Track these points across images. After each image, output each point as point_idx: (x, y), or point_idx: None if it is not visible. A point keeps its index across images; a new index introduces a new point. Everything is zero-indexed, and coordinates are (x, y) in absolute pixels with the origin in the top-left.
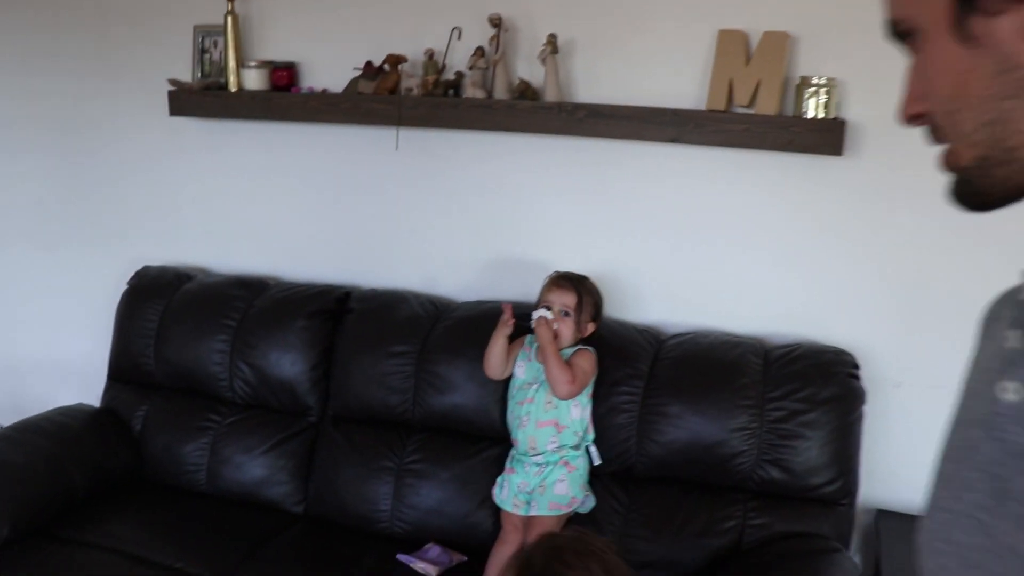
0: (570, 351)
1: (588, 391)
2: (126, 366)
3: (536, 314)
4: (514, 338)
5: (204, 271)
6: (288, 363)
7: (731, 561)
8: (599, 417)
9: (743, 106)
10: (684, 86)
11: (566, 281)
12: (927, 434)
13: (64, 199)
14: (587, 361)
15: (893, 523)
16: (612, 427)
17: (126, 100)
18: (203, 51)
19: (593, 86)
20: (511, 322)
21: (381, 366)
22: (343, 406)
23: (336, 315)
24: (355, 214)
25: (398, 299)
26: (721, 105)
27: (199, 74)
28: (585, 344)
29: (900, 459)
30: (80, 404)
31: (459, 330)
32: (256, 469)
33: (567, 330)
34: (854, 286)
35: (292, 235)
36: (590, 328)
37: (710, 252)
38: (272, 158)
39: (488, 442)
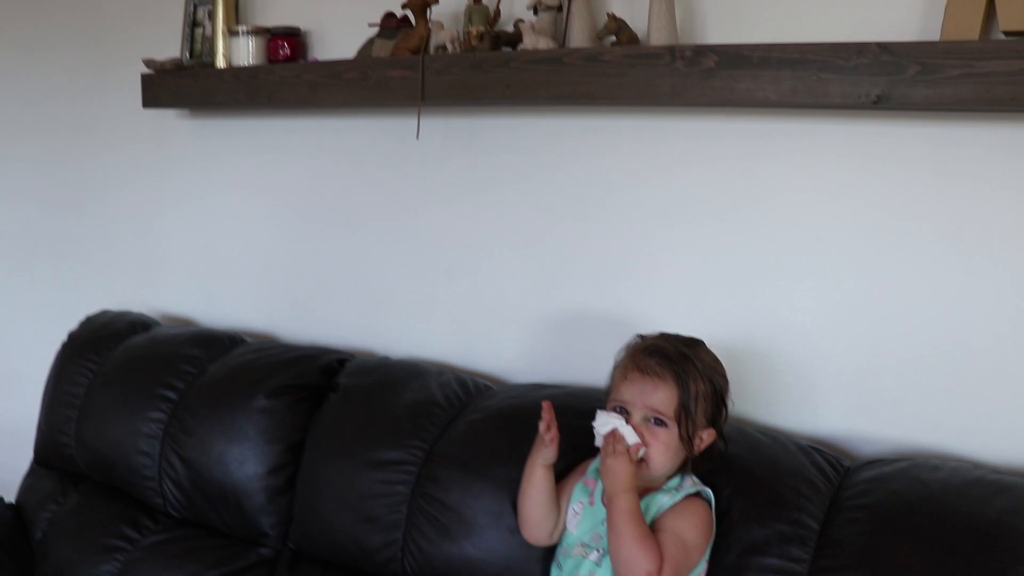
0: (667, 499)
1: (699, 568)
2: (49, 446)
3: (601, 424)
4: (569, 462)
5: (188, 322)
6: (235, 462)
7: None
8: None
9: (1015, 31)
10: (891, 9)
11: (656, 361)
12: None
13: (41, 222)
14: (694, 524)
15: None
16: None
17: (113, 93)
18: (194, 24)
19: (727, 23)
20: (552, 436)
21: (362, 482)
22: (305, 538)
23: (317, 393)
24: (364, 246)
25: (410, 373)
26: (973, 32)
27: (188, 54)
28: (695, 472)
29: None
30: None
31: (490, 431)
32: None
33: (660, 451)
34: None
35: (290, 279)
36: (704, 439)
37: (942, 308)
38: (266, 168)
39: None
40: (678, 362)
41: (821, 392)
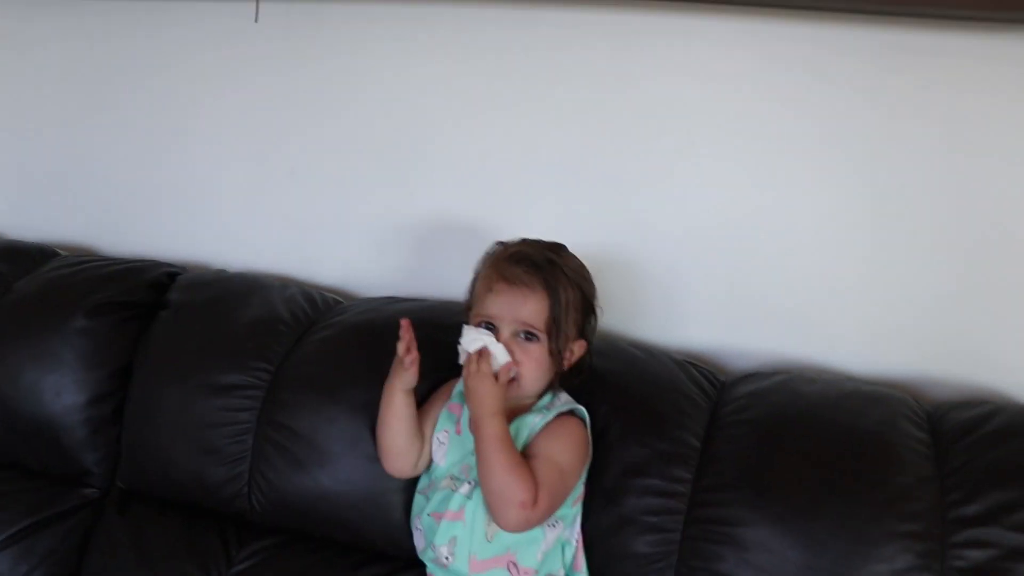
0: (538, 419)
1: (576, 492)
2: None
3: (468, 342)
4: (432, 383)
5: None
6: (51, 392)
7: None
8: (598, 537)
9: None
10: None
11: (523, 269)
12: None
13: None
14: (569, 446)
15: None
16: (623, 559)
17: None
18: None
19: None
20: (413, 358)
21: (200, 409)
22: (136, 474)
23: (145, 311)
24: (193, 145)
25: (251, 287)
26: None
27: None
28: (568, 387)
29: None
30: None
31: (343, 349)
32: None
33: (532, 369)
34: None
35: (109, 184)
36: (575, 352)
37: (816, 219)
38: (72, 54)
39: (383, 566)
40: (546, 269)
41: (690, 304)
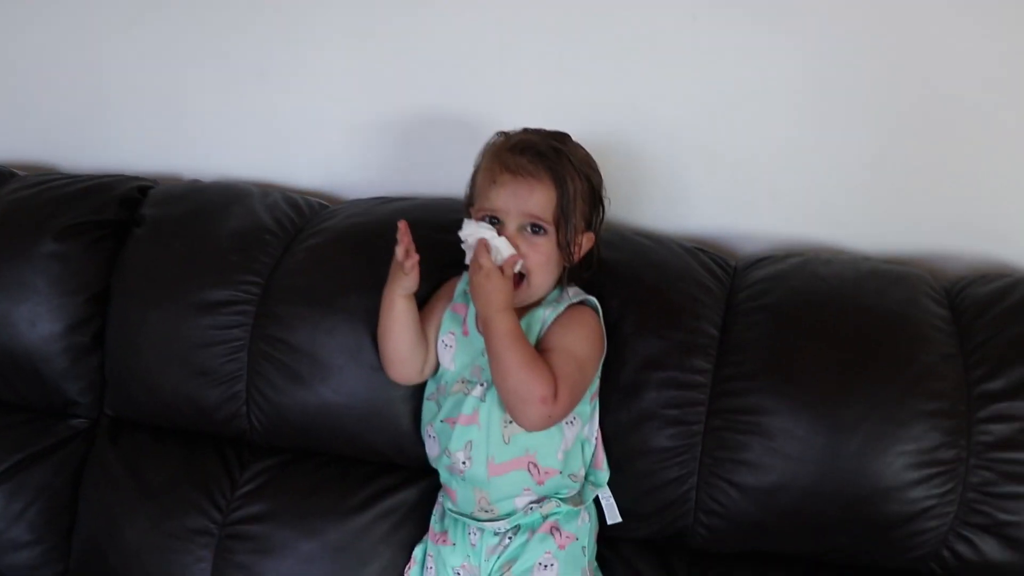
0: (549, 312)
1: (592, 387)
2: None
3: (468, 235)
4: (433, 285)
5: None
6: (24, 322)
7: None
8: (617, 434)
9: None
10: None
11: (528, 158)
12: None
13: None
14: (584, 335)
15: None
16: (644, 455)
17: None
18: None
19: None
20: (413, 263)
21: (189, 329)
22: (125, 402)
23: (118, 229)
24: (156, 46)
25: (229, 197)
26: None
27: None
28: (577, 281)
29: None
30: None
31: (336, 256)
32: None
33: (540, 263)
34: None
35: (64, 93)
36: (583, 244)
37: (817, 96)
38: None
39: (394, 476)
40: (552, 158)
41: (693, 189)
